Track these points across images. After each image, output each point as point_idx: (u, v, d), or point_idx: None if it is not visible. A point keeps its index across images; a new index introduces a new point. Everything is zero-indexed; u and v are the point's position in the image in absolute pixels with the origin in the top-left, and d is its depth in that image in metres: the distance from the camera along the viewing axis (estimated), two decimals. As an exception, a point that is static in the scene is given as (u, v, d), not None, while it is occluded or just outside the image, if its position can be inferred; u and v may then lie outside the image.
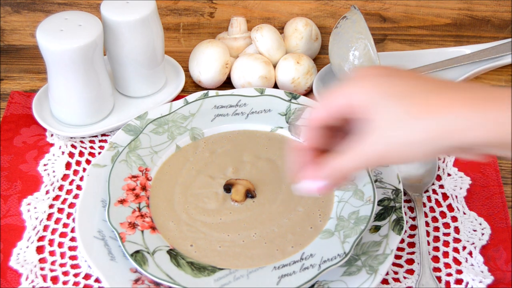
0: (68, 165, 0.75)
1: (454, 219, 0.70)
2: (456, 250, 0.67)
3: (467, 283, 0.64)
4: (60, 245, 0.67)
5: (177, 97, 0.83)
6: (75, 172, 0.74)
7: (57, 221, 0.69)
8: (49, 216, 0.70)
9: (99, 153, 0.76)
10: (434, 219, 0.70)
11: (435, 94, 0.48)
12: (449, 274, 0.65)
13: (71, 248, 0.67)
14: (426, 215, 0.70)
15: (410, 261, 0.66)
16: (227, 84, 0.85)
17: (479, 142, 0.46)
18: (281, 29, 0.90)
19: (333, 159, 0.52)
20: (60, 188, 0.73)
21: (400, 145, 0.48)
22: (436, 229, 0.69)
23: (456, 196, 0.71)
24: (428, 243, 0.67)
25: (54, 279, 0.64)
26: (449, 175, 0.74)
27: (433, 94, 0.48)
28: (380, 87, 0.49)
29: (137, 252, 0.62)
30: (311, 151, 0.55)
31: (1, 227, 0.68)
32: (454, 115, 0.46)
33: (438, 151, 0.48)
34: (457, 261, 0.66)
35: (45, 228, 0.69)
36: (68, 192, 0.72)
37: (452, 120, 0.46)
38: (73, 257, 0.66)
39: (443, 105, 0.47)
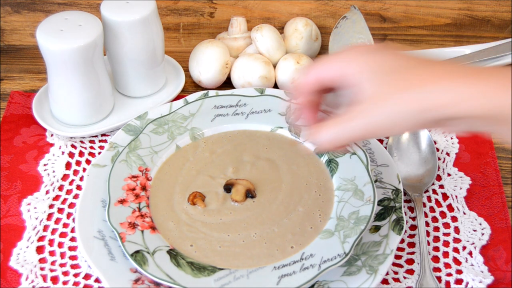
0: (68, 165, 0.75)
1: (454, 219, 0.70)
2: (456, 250, 0.67)
3: (467, 283, 0.64)
4: (60, 245, 0.67)
5: (177, 97, 0.83)
6: (75, 172, 0.74)
7: (57, 221, 0.69)
8: (49, 216, 0.70)
9: (99, 153, 0.76)
10: (434, 219, 0.70)
11: (421, 69, 0.50)
12: (449, 274, 0.65)
13: (71, 248, 0.67)
14: (426, 215, 0.70)
15: (410, 261, 0.66)
16: (227, 84, 0.85)
17: (469, 115, 0.48)
18: (281, 29, 0.90)
19: (327, 127, 0.55)
20: (60, 188, 0.73)
21: (386, 117, 0.51)
22: (436, 229, 0.69)
23: (456, 196, 0.71)
24: (428, 243, 0.67)
25: (54, 279, 0.64)
26: (449, 175, 0.74)
27: (418, 69, 0.51)
28: (370, 63, 0.53)
29: (137, 252, 0.62)
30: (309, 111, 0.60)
31: (1, 227, 0.68)
32: (442, 88, 0.48)
33: (424, 123, 0.50)
34: (457, 261, 0.66)
35: (45, 228, 0.69)
36: (68, 192, 0.72)
37: (439, 92, 0.48)
38: (73, 257, 0.66)
39: (428, 79, 0.49)
